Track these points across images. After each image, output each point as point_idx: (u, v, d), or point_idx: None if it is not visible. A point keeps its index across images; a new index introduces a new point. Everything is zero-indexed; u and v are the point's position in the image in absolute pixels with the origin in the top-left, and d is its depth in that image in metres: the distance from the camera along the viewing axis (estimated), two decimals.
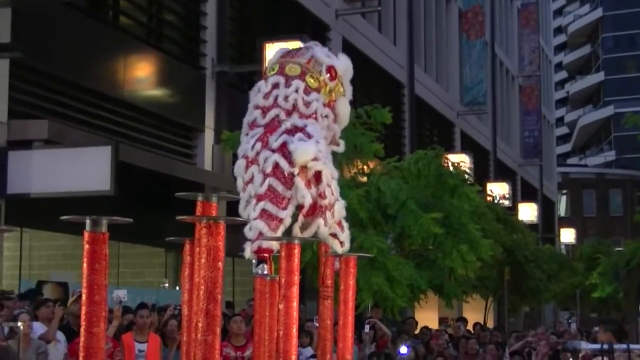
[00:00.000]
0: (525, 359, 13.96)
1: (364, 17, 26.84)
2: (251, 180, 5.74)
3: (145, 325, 11.02)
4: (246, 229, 5.59)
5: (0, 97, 13.15)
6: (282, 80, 5.96)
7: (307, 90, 5.93)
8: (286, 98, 5.89)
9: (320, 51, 6.19)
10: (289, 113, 5.85)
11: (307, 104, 5.90)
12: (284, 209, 5.61)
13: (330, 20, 24.20)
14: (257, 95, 6.02)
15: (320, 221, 5.78)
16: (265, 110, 5.91)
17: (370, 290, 14.40)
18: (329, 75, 6.05)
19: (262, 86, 6.03)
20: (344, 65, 6.20)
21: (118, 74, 15.99)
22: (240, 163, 5.83)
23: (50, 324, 10.63)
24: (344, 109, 6.17)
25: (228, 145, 16.60)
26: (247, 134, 5.95)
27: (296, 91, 5.90)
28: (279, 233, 5.55)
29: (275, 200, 5.62)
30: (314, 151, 5.62)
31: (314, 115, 5.90)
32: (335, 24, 24.45)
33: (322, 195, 5.73)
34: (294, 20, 22.27)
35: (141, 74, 16.78)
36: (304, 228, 5.74)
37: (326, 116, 6.01)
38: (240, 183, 5.83)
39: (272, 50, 17.68)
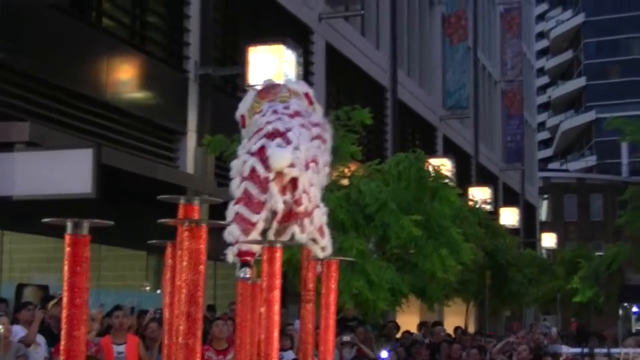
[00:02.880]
0: None
1: (347, 20, 26.88)
2: None
3: (122, 326, 11.06)
4: (225, 233, 5.59)
5: None
6: (277, 104, 6.06)
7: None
8: (287, 107, 5.97)
9: (290, 83, 6.34)
10: (292, 116, 5.90)
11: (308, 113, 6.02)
12: (258, 213, 5.61)
13: (313, 23, 24.22)
14: (259, 117, 6.07)
15: (296, 228, 5.77)
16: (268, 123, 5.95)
17: (350, 293, 14.40)
18: (307, 100, 6.15)
19: (257, 117, 6.06)
20: (310, 89, 6.36)
21: (101, 76, 15.95)
22: (237, 163, 5.85)
23: (31, 327, 10.59)
24: (327, 131, 6.28)
25: (210, 149, 16.58)
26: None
27: (298, 105, 6.02)
28: (253, 237, 5.55)
29: (250, 204, 5.61)
30: (289, 158, 5.62)
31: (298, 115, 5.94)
32: (318, 27, 24.47)
33: (297, 202, 5.73)
34: (277, 24, 22.28)
35: (124, 76, 16.74)
36: (278, 234, 5.73)
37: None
38: (235, 184, 5.84)
39: (255, 53, 17.73)
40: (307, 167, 5.77)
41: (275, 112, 5.94)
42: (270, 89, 6.27)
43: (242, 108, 6.22)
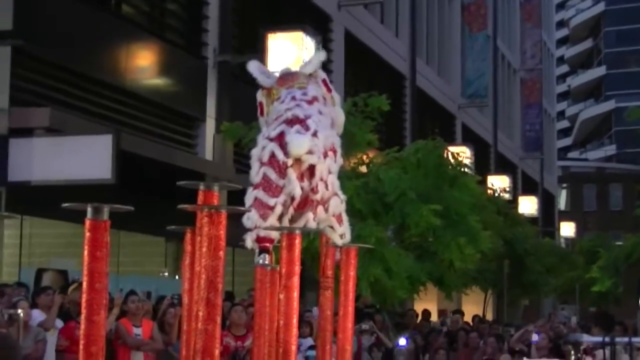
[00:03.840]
0: (525, 352, 13.95)
1: (366, 8, 26.80)
2: None
3: (138, 310, 11.15)
4: (244, 218, 5.59)
5: (2, 85, 13.13)
6: (298, 91, 6.07)
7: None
8: (305, 94, 5.98)
9: (309, 66, 6.35)
10: (310, 102, 5.91)
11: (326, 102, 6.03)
12: (276, 197, 5.61)
13: (332, 11, 24.17)
14: (277, 104, 6.06)
15: (310, 215, 5.77)
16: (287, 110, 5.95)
17: (368, 280, 14.38)
18: (325, 87, 6.16)
19: (277, 104, 6.06)
20: (318, 59, 6.35)
21: (120, 63, 15.97)
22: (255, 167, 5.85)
23: (50, 312, 10.64)
24: (340, 114, 6.26)
25: (228, 135, 16.58)
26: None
27: (316, 90, 6.03)
28: (271, 221, 5.55)
29: (268, 188, 5.62)
30: (308, 145, 5.63)
31: (320, 100, 5.96)
32: (337, 15, 24.41)
33: (314, 190, 5.72)
34: (296, 11, 22.23)
35: (143, 63, 16.75)
36: (293, 221, 5.74)
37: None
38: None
39: (274, 40, 17.71)
40: (325, 155, 5.76)
41: (293, 98, 5.94)
42: (288, 76, 6.26)
43: (259, 97, 6.25)
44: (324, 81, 6.20)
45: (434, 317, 20.56)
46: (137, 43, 16.64)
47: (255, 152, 5.84)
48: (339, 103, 6.39)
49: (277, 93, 6.15)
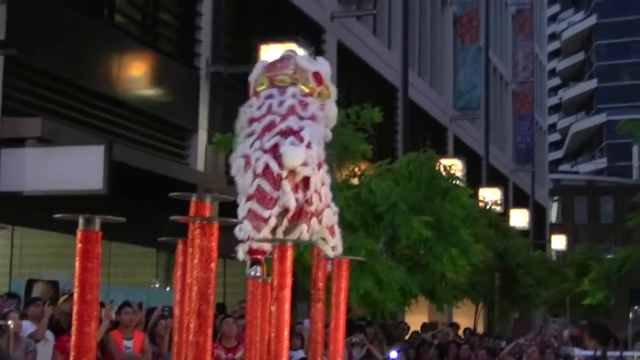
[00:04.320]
0: None
1: (358, 19, 26.85)
2: None
3: (131, 322, 11.11)
4: (236, 230, 5.58)
5: None
6: (274, 91, 5.98)
7: (303, 95, 5.94)
8: (281, 103, 5.89)
9: (301, 59, 6.24)
10: (284, 118, 5.83)
11: (305, 106, 5.90)
12: (270, 209, 5.60)
13: (325, 22, 24.21)
14: (250, 109, 6.01)
15: (304, 227, 5.76)
16: (260, 120, 5.90)
17: (358, 293, 14.37)
18: (315, 81, 6.08)
19: (254, 101, 6.03)
20: (325, 68, 6.24)
21: (113, 73, 15.96)
22: (239, 162, 5.81)
23: (40, 323, 10.60)
24: (332, 110, 6.21)
25: (220, 147, 16.58)
26: (242, 143, 5.94)
27: (292, 96, 5.90)
28: (264, 233, 5.54)
29: (262, 200, 5.61)
30: (303, 157, 5.62)
31: (312, 117, 5.89)
32: (330, 26, 24.45)
33: (308, 202, 5.72)
34: (289, 22, 22.25)
35: (135, 73, 16.75)
36: (287, 232, 5.73)
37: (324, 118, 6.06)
38: (241, 185, 5.81)
39: (267, 52, 17.70)
40: (319, 166, 5.77)
41: (269, 109, 5.90)
42: (277, 63, 6.21)
43: (251, 77, 6.22)
44: (315, 74, 6.14)
45: (426, 330, 20.52)
46: (129, 53, 16.64)
47: (237, 162, 5.80)
48: (334, 95, 6.31)
49: (263, 81, 6.11)
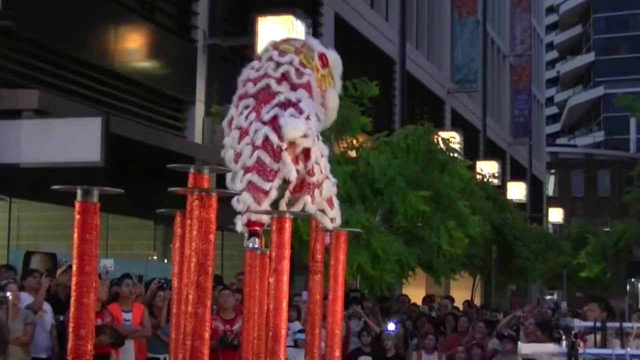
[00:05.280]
0: (513, 337, 13.98)
1: None
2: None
3: (131, 294, 11.11)
4: (234, 201, 5.55)
5: None
6: (275, 52, 5.93)
7: (301, 65, 5.90)
8: (278, 66, 5.85)
9: (313, 40, 6.19)
10: (279, 82, 5.79)
11: (300, 75, 5.85)
12: (271, 181, 5.57)
13: None
14: (249, 70, 5.98)
15: (308, 198, 5.73)
16: (255, 82, 5.86)
17: (353, 267, 14.38)
18: (320, 62, 6.02)
19: (255, 62, 5.99)
20: (334, 57, 6.18)
21: (109, 45, 15.90)
22: (234, 134, 5.77)
23: (37, 295, 10.62)
24: (333, 100, 6.11)
25: (218, 118, 16.54)
26: (236, 107, 5.89)
27: (290, 63, 5.86)
28: (265, 205, 5.51)
29: (263, 172, 5.57)
30: (303, 128, 5.58)
31: (305, 86, 5.85)
32: None
33: (310, 173, 5.69)
34: None
35: (132, 46, 16.69)
36: (290, 204, 5.70)
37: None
38: (230, 154, 5.76)
39: (264, 24, 17.65)
40: (317, 137, 5.74)
41: (266, 73, 5.87)
42: (289, 39, 6.22)
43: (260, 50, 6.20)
44: (321, 55, 6.10)
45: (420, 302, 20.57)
46: (126, 25, 16.57)
47: (234, 135, 5.77)
48: (338, 87, 6.23)
49: (267, 49, 6.08)
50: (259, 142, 5.61)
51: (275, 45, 6.03)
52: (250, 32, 17.86)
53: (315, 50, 6.04)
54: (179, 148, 16.20)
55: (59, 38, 14.47)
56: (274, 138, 5.57)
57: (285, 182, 5.61)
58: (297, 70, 5.85)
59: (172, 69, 17.67)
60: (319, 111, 5.87)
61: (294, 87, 5.81)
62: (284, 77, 5.81)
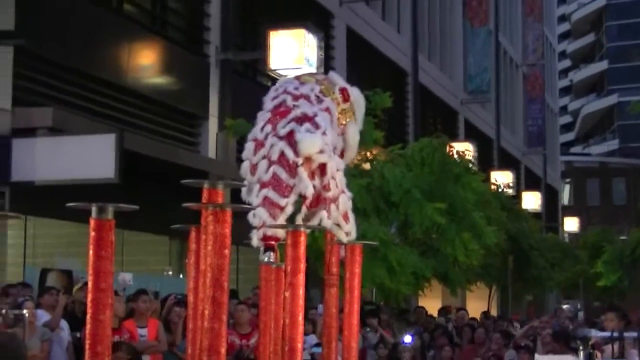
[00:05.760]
0: (530, 348, 13.93)
1: (367, 4, 26.78)
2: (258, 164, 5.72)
3: (147, 310, 11.11)
4: (250, 216, 5.55)
5: (5, 85, 13.11)
6: (296, 82, 5.97)
7: (321, 93, 5.91)
8: (297, 89, 5.87)
9: (334, 75, 6.21)
10: (296, 98, 5.81)
11: (320, 101, 5.86)
12: (286, 197, 5.57)
13: (334, 8, 24.15)
14: (269, 92, 6.01)
15: (324, 213, 5.73)
16: (273, 99, 5.89)
17: (372, 281, 14.38)
18: (341, 95, 6.02)
19: (275, 87, 6.02)
20: (357, 94, 6.18)
21: (122, 62, 15.96)
22: (249, 146, 5.79)
23: (55, 312, 10.64)
24: (354, 135, 6.09)
25: (231, 132, 16.57)
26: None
27: (311, 90, 5.87)
28: (280, 221, 5.51)
29: (279, 187, 5.57)
30: (320, 144, 5.58)
31: (325, 109, 5.85)
32: (339, 11, 24.39)
33: (326, 188, 5.69)
34: (297, 8, 22.20)
35: (145, 62, 16.75)
36: (307, 219, 5.70)
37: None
38: (246, 165, 5.77)
39: (276, 37, 17.69)
40: (334, 152, 5.74)
41: (285, 89, 5.90)
42: (308, 73, 6.26)
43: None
44: (343, 90, 6.10)
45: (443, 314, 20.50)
46: (139, 41, 16.64)
47: (249, 146, 5.79)
48: (360, 122, 6.21)
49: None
50: (274, 157, 5.61)
51: (296, 77, 6.06)
52: (262, 46, 17.91)
53: (337, 85, 6.04)
54: (193, 163, 16.24)
55: (72, 56, 14.53)
56: (289, 153, 5.57)
57: (301, 197, 5.61)
58: (317, 97, 5.86)
59: (185, 85, 17.71)
60: (335, 139, 5.86)
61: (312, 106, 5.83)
62: (305, 97, 5.83)
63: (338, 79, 6.14)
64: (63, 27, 14.35)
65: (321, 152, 5.59)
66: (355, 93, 6.14)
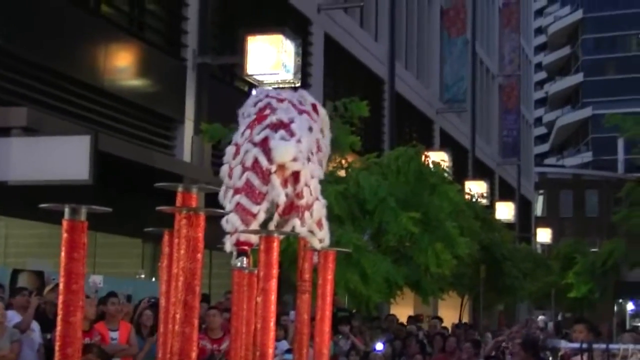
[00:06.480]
0: (500, 358, 13.98)
1: (346, 12, 26.81)
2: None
3: (117, 313, 11.09)
4: (223, 222, 5.55)
5: None
6: (273, 93, 6.01)
7: (299, 102, 5.95)
8: (279, 94, 5.92)
9: (304, 92, 6.25)
10: (280, 101, 5.83)
11: (301, 105, 5.90)
12: (259, 204, 5.57)
13: (312, 14, 24.16)
14: (250, 101, 6.02)
15: (297, 221, 5.74)
16: (255, 104, 5.91)
17: (345, 286, 14.38)
18: (313, 110, 6.06)
19: (253, 95, 6.04)
20: (324, 113, 6.23)
21: (99, 63, 15.90)
22: (230, 149, 5.80)
23: (26, 313, 10.57)
24: (325, 148, 6.17)
25: (207, 136, 16.54)
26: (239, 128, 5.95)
27: (292, 95, 5.93)
28: (253, 227, 5.51)
29: (251, 194, 5.57)
30: (293, 152, 5.58)
31: (307, 112, 5.88)
32: (317, 18, 24.40)
33: (299, 195, 5.69)
34: (276, 13, 22.21)
35: (122, 64, 16.69)
36: (279, 227, 5.70)
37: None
38: (225, 169, 5.78)
39: (254, 43, 17.67)
40: (308, 159, 5.74)
41: (267, 95, 5.93)
42: (280, 88, 6.30)
43: None
44: (314, 105, 6.12)
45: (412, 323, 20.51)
46: (116, 43, 16.58)
47: (229, 151, 5.79)
48: (328, 138, 6.25)
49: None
50: (248, 163, 5.61)
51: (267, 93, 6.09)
52: (239, 51, 17.88)
53: (308, 101, 6.08)
54: (168, 166, 16.19)
55: (49, 56, 14.47)
56: (263, 161, 5.57)
57: (274, 204, 5.62)
58: (299, 101, 5.90)
59: (162, 87, 17.67)
60: (312, 144, 5.88)
61: (299, 111, 5.85)
62: (288, 101, 5.86)
63: (307, 95, 6.17)
64: (40, 27, 14.28)
65: (294, 160, 5.59)
66: (322, 111, 6.18)
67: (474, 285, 27.74)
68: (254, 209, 5.54)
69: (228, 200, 5.61)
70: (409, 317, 20.61)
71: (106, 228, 14.75)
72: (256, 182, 5.57)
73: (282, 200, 5.57)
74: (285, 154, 5.55)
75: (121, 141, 15.58)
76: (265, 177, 5.57)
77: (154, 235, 4.91)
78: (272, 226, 5.61)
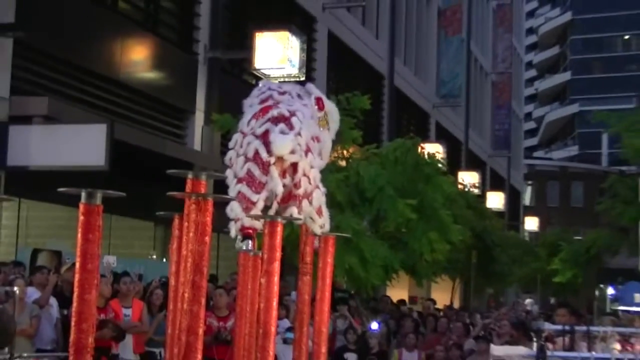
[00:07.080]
0: (488, 338, 13.99)
1: (349, 11, 26.79)
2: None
3: (130, 291, 11.12)
4: (227, 209, 5.58)
5: (4, 74, 13.04)
6: (274, 86, 6.02)
7: (299, 96, 5.96)
8: (280, 87, 5.93)
9: (310, 85, 6.25)
10: (282, 94, 5.85)
11: (301, 98, 5.91)
12: (258, 193, 5.60)
13: (317, 12, 24.14)
14: (253, 94, 6.03)
15: (294, 209, 5.76)
16: (260, 95, 5.92)
17: (343, 268, 14.38)
18: (317, 105, 6.05)
19: (257, 88, 6.06)
20: (331, 106, 6.22)
21: (115, 56, 15.89)
22: (236, 137, 5.82)
23: (44, 290, 10.61)
24: (327, 143, 6.17)
25: (217, 126, 16.54)
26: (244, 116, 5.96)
27: (292, 88, 5.94)
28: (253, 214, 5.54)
29: (252, 184, 5.60)
30: (291, 145, 5.61)
31: (305, 104, 5.89)
32: (321, 16, 24.38)
33: (297, 185, 5.71)
34: (283, 11, 22.20)
35: (137, 57, 16.68)
36: (277, 215, 5.72)
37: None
38: (231, 155, 5.80)
39: (261, 39, 17.65)
40: (307, 151, 5.75)
41: (270, 88, 5.94)
42: (283, 82, 6.31)
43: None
44: (318, 99, 6.12)
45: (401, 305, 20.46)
46: (131, 38, 16.57)
47: (236, 138, 5.80)
48: (333, 133, 6.25)
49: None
50: (250, 154, 5.64)
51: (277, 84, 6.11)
52: (248, 46, 17.86)
53: (312, 94, 6.08)
54: (179, 154, 16.19)
55: (69, 49, 14.46)
56: (263, 152, 5.59)
57: (273, 193, 5.64)
58: (298, 94, 5.91)
59: (174, 80, 17.67)
60: (314, 134, 5.88)
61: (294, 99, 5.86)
62: (288, 94, 5.87)
63: (314, 89, 6.17)
64: (61, 22, 14.28)
65: (292, 152, 5.61)
66: (329, 105, 6.18)
67: (466, 270, 27.74)
68: (254, 197, 5.56)
69: (232, 188, 5.64)
70: (399, 301, 20.50)
71: (120, 211, 14.78)
72: (257, 172, 5.60)
73: (279, 190, 5.61)
74: (283, 147, 5.58)
75: (135, 130, 15.60)
76: (265, 168, 5.60)
77: (165, 218, 4.93)
78: (271, 213, 5.64)
